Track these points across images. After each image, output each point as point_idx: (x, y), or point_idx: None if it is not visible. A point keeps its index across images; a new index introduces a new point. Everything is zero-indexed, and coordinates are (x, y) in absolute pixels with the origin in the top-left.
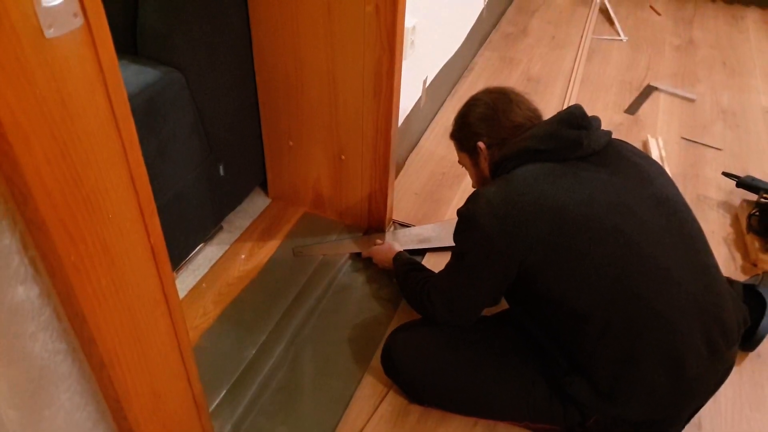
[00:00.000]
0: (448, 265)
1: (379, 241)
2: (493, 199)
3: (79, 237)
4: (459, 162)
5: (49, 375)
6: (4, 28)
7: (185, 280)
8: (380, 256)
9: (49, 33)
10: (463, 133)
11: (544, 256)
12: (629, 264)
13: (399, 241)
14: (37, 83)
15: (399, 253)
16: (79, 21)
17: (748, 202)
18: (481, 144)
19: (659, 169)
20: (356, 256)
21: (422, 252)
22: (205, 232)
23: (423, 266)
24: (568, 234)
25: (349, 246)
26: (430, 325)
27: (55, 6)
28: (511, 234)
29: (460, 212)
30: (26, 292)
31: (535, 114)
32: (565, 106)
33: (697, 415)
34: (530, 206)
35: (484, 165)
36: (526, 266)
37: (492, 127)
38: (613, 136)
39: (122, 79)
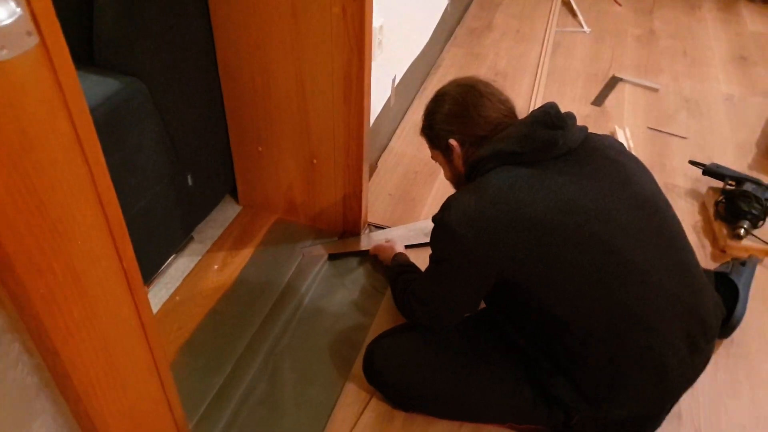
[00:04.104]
0: (426, 271)
1: (387, 240)
2: (468, 209)
3: (47, 268)
4: (432, 158)
5: (21, 413)
6: None
7: (158, 294)
8: (383, 254)
9: (2, 55)
10: (434, 131)
11: (522, 266)
12: (609, 271)
13: (406, 236)
14: None
15: (398, 254)
16: (33, 40)
17: (714, 189)
18: (453, 142)
19: (639, 165)
20: (334, 260)
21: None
22: (176, 243)
23: (416, 269)
24: (546, 243)
25: (354, 244)
26: (411, 331)
27: (6, 26)
28: (488, 244)
29: (434, 220)
30: None
31: (507, 106)
32: (533, 100)
33: (676, 406)
34: (506, 216)
35: (459, 162)
36: (505, 275)
37: (464, 125)
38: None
39: (84, 96)
